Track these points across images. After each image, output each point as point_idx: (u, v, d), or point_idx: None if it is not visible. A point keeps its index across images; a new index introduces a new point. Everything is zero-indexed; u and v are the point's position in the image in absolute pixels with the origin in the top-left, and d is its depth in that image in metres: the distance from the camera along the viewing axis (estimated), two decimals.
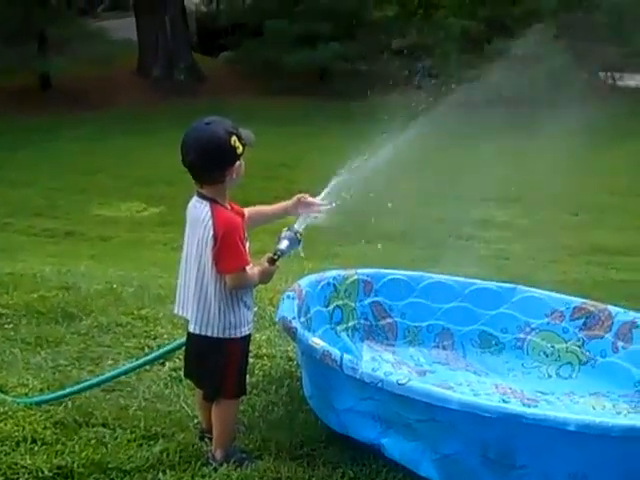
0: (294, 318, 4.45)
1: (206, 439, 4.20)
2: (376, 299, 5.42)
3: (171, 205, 14.87)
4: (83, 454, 4.01)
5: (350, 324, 5.30)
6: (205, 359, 4.00)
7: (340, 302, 5.26)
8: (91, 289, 6.55)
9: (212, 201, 3.87)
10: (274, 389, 4.83)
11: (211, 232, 3.81)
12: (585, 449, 3.58)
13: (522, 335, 5.30)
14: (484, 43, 25.43)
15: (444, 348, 5.42)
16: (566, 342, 5.16)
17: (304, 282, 5.03)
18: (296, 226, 4.30)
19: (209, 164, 3.82)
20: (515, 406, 4.26)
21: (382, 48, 28.87)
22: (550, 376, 5.08)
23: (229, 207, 3.97)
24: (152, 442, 4.17)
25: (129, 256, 10.71)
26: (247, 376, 4.96)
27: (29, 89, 24.57)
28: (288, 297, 4.74)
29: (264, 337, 5.62)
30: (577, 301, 5.26)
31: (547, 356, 5.18)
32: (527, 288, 5.45)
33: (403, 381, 3.78)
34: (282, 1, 29.00)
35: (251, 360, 5.23)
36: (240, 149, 3.85)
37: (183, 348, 4.24)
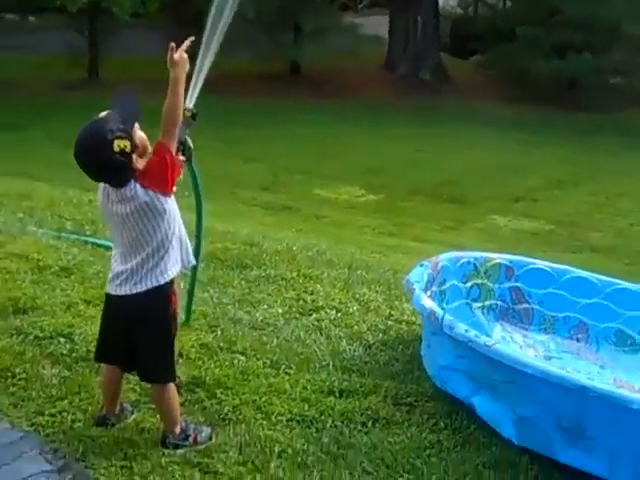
0: (417, 282, 4.86)
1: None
2: (516, 284, 5.68)
3: (390, 194, 15.32)
4: (216, 371, 4.64)
5: (487, 303, 5.61)
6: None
7: (479, 281, 5.59)
8: (271, 248, 7.17)
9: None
10: (401, 348, 5.24)
11: None
12: None
13: None
14: None
15: (578, 340, 5.60)
16: None
17: (443, 256, 5.42)
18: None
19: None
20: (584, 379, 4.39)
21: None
22: None
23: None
24: (274, 371, 4.75)
25: (333, 233, 11.29)
26: (382, 335, 5.45)
27: (279, 75, 26.06)
28: (421, 265, 5.17)
29: (411, 307, 6.01)
30: None
31: None
32: None
33: (490, 343, 4.11)
34: (539, 9, 28.92)
35: (390, 323, 5.68)
36: (128, 146, 3.55)
37: None
